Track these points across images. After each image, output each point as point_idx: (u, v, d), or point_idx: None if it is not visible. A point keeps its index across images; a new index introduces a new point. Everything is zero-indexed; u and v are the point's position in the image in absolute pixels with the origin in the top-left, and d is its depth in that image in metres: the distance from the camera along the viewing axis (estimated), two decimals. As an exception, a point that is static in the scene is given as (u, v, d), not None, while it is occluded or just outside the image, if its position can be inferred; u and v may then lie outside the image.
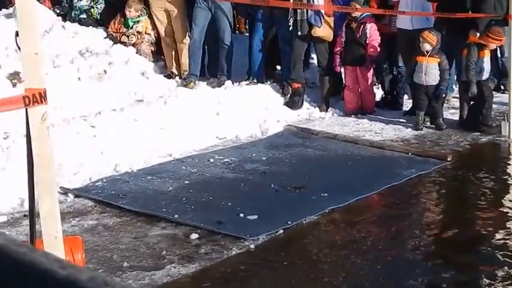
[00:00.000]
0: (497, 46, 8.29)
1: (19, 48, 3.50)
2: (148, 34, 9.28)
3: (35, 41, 3.47)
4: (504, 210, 5.55)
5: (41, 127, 3.53)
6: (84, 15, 9.44)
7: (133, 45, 9.14)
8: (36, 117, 3.52)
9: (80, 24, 9.17)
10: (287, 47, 8.92)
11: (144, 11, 9.27)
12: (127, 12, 9.16)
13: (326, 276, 4.50)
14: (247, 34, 10.21)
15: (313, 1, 8.40)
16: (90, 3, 9.48)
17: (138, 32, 9.23)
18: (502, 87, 9.30)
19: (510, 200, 5.82)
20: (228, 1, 8.91)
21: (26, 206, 4.76)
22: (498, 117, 8.04)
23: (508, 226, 5.22)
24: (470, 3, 7.98)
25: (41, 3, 9.22)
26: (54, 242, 3.70)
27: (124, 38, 9.14)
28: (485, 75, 7.90)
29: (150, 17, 9.29)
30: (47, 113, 3.54)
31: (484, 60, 7.83)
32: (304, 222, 5.32)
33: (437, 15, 8.27)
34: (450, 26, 8.06)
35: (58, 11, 9.56)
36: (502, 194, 5.99)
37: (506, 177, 6.48)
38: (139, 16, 9.22)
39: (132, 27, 9.21)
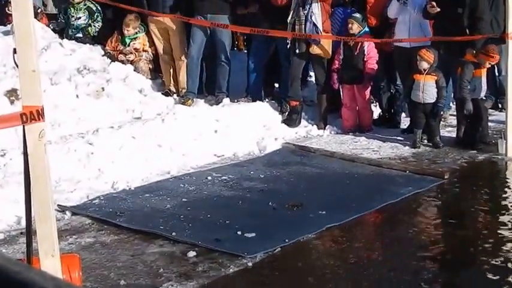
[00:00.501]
0: (494, 64, 8.30)
1: (17, 66, 3.50)
2: (146, 51, 9.30)
3: (32, 59, 3.48)
4: (501, 229, 5.53)
5: (38, 144, 3.52)
6: (80, 34, 9.46)
7: (131, 62, 9.16)
8: (34, 134, 3.51)
9: (77, 41, 9.19)
10: (286, 65, 8.94)
11: (142, 28, 9.29)
12: (125, 31, 9.19)
13: (324, 294, 4.47)
14: (245, 51, 10.22)
15: (311, 18, 8.42)
16: (88, 21, 9.50)
17: (136, 49, 9.25)
18: (500, 106, 9.32)
19: (508, 219, 5.80)
20: (227, 29, 8.95)
21: (23, 224, 4.74)
22: (495, 136, 8.04)
23: (506, 245, 5.20)
24: (468, 21, 7.99)
25: (38, 20, 9.25)
26: (51, 260, 3.69)
27: (121, 56, 9.15)
28: (482, 93, 7.90)
29: (148, 33, 9.32)
30: (44, 131, 3.54)
31: (480, 78, 7.84)
32: (301, 240, 5.29)
33: (434, 39, 8.29)
34: (447, 44, 8.09)
35: (52, 27, 9.58)
36: (499, 212, 5.97)
37: (503, 195, 6.46)
38: (136, 33, 9.24)
39: (129, 45, 9.23)
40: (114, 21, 9.52)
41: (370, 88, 8.88)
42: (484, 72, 7.87)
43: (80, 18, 9.50)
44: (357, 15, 8.58)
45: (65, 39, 9.16)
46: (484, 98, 8.05)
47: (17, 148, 6.32)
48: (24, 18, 3.44)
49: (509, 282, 4.52)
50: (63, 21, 9.60)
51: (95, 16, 9.51)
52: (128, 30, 9.16)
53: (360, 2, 8.91)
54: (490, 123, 8.33)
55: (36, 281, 0.86)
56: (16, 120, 3.45)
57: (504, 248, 5.13)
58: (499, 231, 5.46)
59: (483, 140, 7.89)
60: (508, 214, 5.92)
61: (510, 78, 7.59)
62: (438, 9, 7.95)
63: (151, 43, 9.34)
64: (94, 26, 9.51)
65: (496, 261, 4.84)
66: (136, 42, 9.29)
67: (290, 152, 7.98)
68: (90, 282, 4.56)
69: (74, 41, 9.17)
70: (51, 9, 10.17)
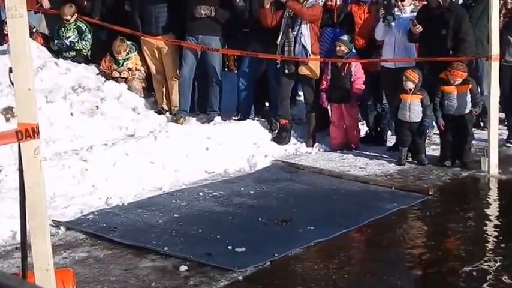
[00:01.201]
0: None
1: (12, 84, 3.50)
2: (138, 70, 9.31)
3: (28, 77, 3.48)
4: (484, 244, 5.54)
5: (33, 161, 3.51)
6: (74, 53, 9.46)
7: (125, 80, 9.17)
8: (29, 151, 3.50)
9: (72, 61, 9.20)
10: (276, 84, 8.97)
11: (133, 47, 9.31)
12: (116, 56, 9.21)
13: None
14: (236, 72, 10.25)
15: (300, 40, 8.46)
16: (78, 40, 9.51)
17: (129, 69, 9.27)
18: (482, 124, 9.36)
19: (490, 234, 5.82)
20: (219, 52, 8.98)
21: (18, 239, 4.72)
22: (478, 153, 8.08)
23: (489, 260, 5.21)
24: (452, 43, 8.03)
25: (34, 39, 9.26)
26: (45, 274, 3.66)
27: (115, 74, 9.17)
28: (459, 110, 7.88)
29: (140, 52, 9.33)
30: (39, 148, 3.53)
31: (450, 94, 7.83)
32: (290, 254, 5.29)
33: (418, 60, 8.33)
34: (431, 65, 8.13)
35: (55, 48, 9.59)
36: (481, 227, 5.99)
37: (486, 211, 6.48)
38: (128, 53, 9.26)
39: (122, 65, 9.25)
40: (107, 43, 9.54)
41: (357, 107, 8.93)
42: (453, 89, 7.79)
43: (69, 37, 9.51)
44: (345, 37, 8.62)
45: (60, 59, 9.16)
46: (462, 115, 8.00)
47: (13, 164, 6.29)
48: (20, 38, 3.44)
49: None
50: (60, 41, 9.60)
51: (83, 36, 9.52)
52: (119, 56, 9.18)
53: (348, 22, 8.95)
54: (472, 142, 8.37)
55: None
56: (12, 137, 3.44)
57: (488, 263, 5.14)
58: (482, 247, 5.47)
59: (466, 158, 7.90)
60: (490, 229, 5.94)
61: (493, 98, 7.66)
62: (421, 28, 7.98)
63: (144, 62, 9.35)
64: (81, 43, 9.51)
65: (479, 277, 4.85)
66: (129, 62, 9.31)
67: (279, 168, 7.99)
68: (83, 296, 4.53)
69: (69, 61, 9.18)
70: (44, 29, 10.17)
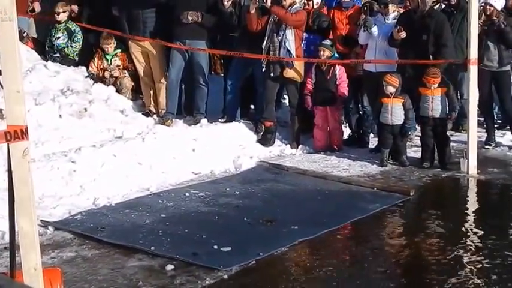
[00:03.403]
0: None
1: (2, 86, 3.49)
2: (127, 67, 9.29)
3: (17, 80, 3.47)
4: (463, 242, 5.58)
5: (22, 162, 3.50)
6: (59, 55, 9.41)
7: (116, 78, 9.14)
8: (18, 152, 3.49)
9: (59, 63, 9.15)
10: (261, 88, 8.98)
11: (120, 44, 9.30)
12: (105, 49, 9.20)
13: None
14: (222, 75, 10.25)
15: (284, 44, 8.47)
16: (67, 41, 9.47)
17: (118, 66, 9.26)
18: (461, 127, 9.42)
19: (470, 233, 5.86)
20: (204, 52, 8.97)
21: (7, 239, 4.69)
22: (458, 155, 8.13)
23: (469, 258, 5.25)
24: (433, 48, 8.08)
25: (24, 43, 9.20)
26: (33, 273, 3.64)
27: (106, 74, 9.15)
28: (433, 113, 7.90)
29: (127, 52, 9.31)
30: (28, 149, 3.52)
31: (426, 96, 7.87)
32: (275, 253, 5.30)
33: (397, 62, 8.37)
34: (413, 70, 8.16)
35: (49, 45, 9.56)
36: (461, 226, 6.03)
37: (465, 210, 6.54)
38: (115, 49, 9.25)
39: (111, 62, 9.24)
40: (95, 46, 9.50)
41: (340, 110, 8.96)
42: (429, 91, 7.84)
43: (59, 38, 9.47)
44: (327, 42, 8.66)
45: (49, 61, 9.12)
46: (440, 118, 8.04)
47: (2, 165, 6.25)
48: (10, 41, 3.43)
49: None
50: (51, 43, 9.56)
51: (73, 37, 9.46)
52: (108, 47, 9.16)
53: (324, 27, 8.98)
54: (452, 143, 8.43)
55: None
56: (0, 138, 3.42)
57: (467, 261, 5.18)
58: (461, 245, 5.50)
59: (446, 159, 7.96)
60: (470, 228, 5.98)
61: (471, 101, 7.71)
62: (404, 34, 8.02)
63: (130, 60, 9.34)
64: (71, 47, 9.47)
65: (459, 275, 4.88)
66: (117, 59, 9.30)
67: (264, 169, 7.99)
68: (71, 294, 4.51)
69: (58, 63, 9.13)
70: (34, 33, 10.11)
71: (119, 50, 9.31)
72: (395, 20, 8.40)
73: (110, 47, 9.20)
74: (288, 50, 8.50)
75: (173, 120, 8.87)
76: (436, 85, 7.80)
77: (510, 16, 8.92)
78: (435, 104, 7.87)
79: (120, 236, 5.66)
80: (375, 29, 8.33)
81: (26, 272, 3.63)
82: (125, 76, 9.25)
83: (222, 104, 9.38)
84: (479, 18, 8.32)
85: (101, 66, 9.27)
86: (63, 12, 9.46)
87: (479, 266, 5.08)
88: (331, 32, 9.07)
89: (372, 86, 8.42)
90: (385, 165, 8.05)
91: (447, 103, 7.93)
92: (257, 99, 9.25)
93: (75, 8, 9.73)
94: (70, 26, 9.48)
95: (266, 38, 8.56)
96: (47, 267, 4.26)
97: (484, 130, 9.07)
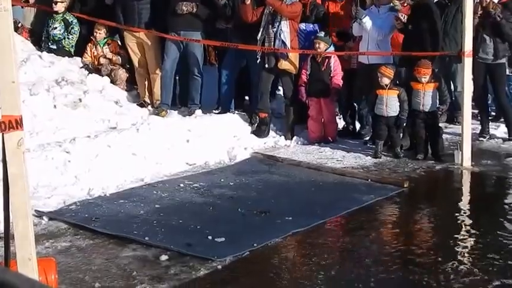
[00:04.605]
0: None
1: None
2: (118, 53, 9.32)
3: (12, 70, 3.47)
4: (457, 233, 5.61)
5: (16, 152, 3.51)
6: (55, 46, 9.39)
7: (111, 71, 9.14)
8: (12, 142, 3.50)
9: (54, 53, 9.14)
10: (256, 79, 8.98)
11: (112, 34, 9.36)
12: (96, 35, 9.23)
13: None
14: (217, 66, 10.26)
15: (280, 36, 8.47)
16: (63, 32, 9.45)
17: (111, 51, 9.30)
18: (455, 119, 9.45)
19: (463, 224, 5.89)
20: (199, 42, 8.97)
21: (1, 228, 4.69)
22: (452, 147, 8.16)
23: (462, 248, 5.28)
24: (420, 38, 8.13)
25: (19, 34, 9.18)
26: (28, 263, 3.66)
27: (102, 60, 9.16)
28: (424, 107, 7.95)
29: (122, 46, 9.34)
30: (22, 139, 3.52)
31: (418, 91, 7.91)
32: (269, 244, 5.32)
33: (391, 54, 8.41)
34: (409, 63, 8.19)
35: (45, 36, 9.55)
36: (454, 217, 6.06)
37: (458, 202, 6.57)
38: (105, 37, 9.28)
39: (103, 52, 9.27)
40: (88, 37, 9.49)
41: (335, 102, 8.97)
42: (420, 86, 7.88)
43: (56, 28, 9.45)
44: (322, 34, 8.66)
45: (44, 52, 9.10)
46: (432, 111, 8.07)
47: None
48: (4, 32, 3.43)
49: (466, 284, 4.59)
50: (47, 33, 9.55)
51: (70, 28, 9.44)
52: (99, 33, 9.19)
53: (322, 18, 8.98)
54: (446, 136, 8.45)
55: (12, 282, 0.87)
56: (-5, 128, 3.43)
57: (460, 251, 5.21)
58: (455, 236, 5.54)
59: (440, 151, 7.99)
60: (463, 219, 6.02)
61: (466, 93, 7.72)
62: (401, 24, 8.07)
63: (123, 48, 9.37)
64: (68, 39, 9.45)
65: (453, 264, 4.91)
66: (109, 47, 9.33)
67: (259, 161, 8.01)
68: (65, 284, 4.53)
69: (53, 54, 9.11)
70: (28, 24, 10.08)
71: (110, 37, 9.35)
72: (390, 12, 8.43)
73: (100, 33, 9.23)
74: (283, 42, 8.50)
75: (168, 111, 8.89)
76: (427, 78, 7.82)
77: (505, 9, 8.93)
78: (426, 99, 7.90)
79: (114, 226, 5.67)
80: (365, 20, 8.35)
81: (20, 261, 3.65)
82: (119, 67, 9.26)
83: (217, 95, 9.38)
84: (476, 10, 8.34)
85: (95, 54, 9.29)
86: (61, 2, 9.43)
87: (473, 256, 5.13)
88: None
89: (366, 78, 8.43)
90: (379, 157, 8.07)
91: (438, 97, 7.97)
92: (252, 90, 9.26)
93: None
94: (68, 18, 9.46)
95: (261, 29, 8.56)
96: (41, 257, 4.27)
97: (478, 122, 9.10)
